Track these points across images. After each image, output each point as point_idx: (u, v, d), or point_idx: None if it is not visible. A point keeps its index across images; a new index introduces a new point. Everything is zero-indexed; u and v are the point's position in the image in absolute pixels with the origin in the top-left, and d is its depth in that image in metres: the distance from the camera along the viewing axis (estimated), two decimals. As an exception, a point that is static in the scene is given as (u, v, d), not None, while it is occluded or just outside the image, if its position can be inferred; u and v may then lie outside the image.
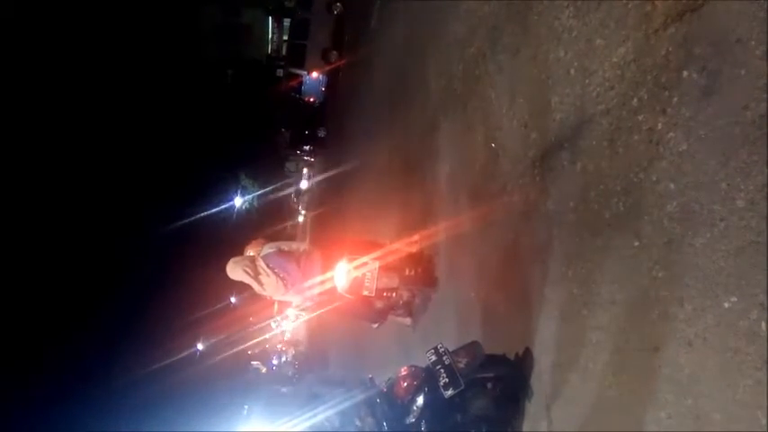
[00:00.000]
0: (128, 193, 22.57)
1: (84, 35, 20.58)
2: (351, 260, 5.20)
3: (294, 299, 5.58)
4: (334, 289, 5.30)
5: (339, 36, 18.19)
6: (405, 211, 7.00)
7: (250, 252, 5.39)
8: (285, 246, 5.43)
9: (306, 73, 21.60)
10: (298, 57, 21.52)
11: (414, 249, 5.63)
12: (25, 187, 19.97)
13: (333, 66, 18.78)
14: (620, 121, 2.69)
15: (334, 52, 18.43)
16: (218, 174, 26.31)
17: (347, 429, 3.49)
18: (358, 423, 3.45)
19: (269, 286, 5.20)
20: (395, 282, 5.36)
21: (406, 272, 5.40)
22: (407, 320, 5.77)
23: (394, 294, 5.44)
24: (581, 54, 3.07)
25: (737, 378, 1.96)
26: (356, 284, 5.20)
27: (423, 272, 5.47)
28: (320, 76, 20.96)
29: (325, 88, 20.97)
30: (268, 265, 5.16)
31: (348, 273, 5.18)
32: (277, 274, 5.15)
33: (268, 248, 5.30)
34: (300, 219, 32.59)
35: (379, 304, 5.50)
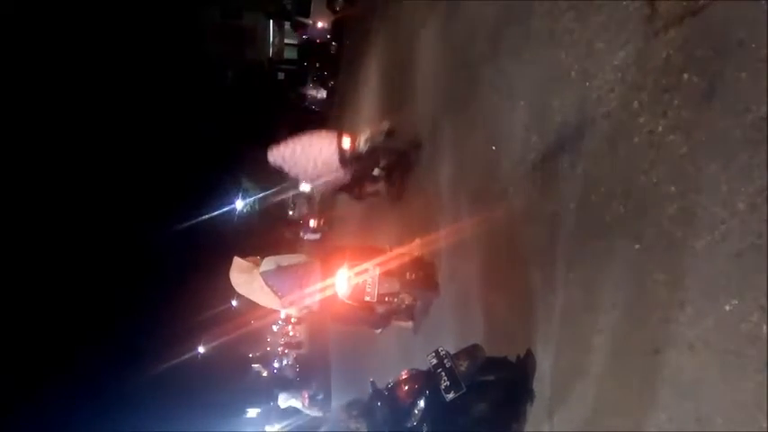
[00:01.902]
0: (129, 196, 22.58)
1: (86, 38, 20.61)
2: (351, 267, 5.24)
3: (291, 311, 5.66)
4: (335, 296, 5.33)
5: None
6: (406, 215, 7.00)
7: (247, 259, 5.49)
8: (285, 261, 5.47)
9: (311, 22, 21.25)
10: (303, 4, 21.26)
11: (415, 253, 5.64)
12: (23, 190, 19.98)
13: (339, 16, 18.42)
14: (621, 124, 2.69)
15: (340, 0, 18.21)
16: (219, 176, 26.31)
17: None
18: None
19: (266, 302, 5.37)
20: (396, 287, 5.38)
21: (407, 276, 5.42)
22: (409, 324, 5.78)
23: (395, 299, 5.45)
24: (582, 57, 3.08)
25: (738, 380, 1.96)
26: (357, 291, 5.23)
27: (424, 276, 5.49)
28: (325, 26, 20.48)
29: (331, 37, 20.34)
30: (267, 282, 5.26)
31: (349, 279, 5.22)
32: (275, 292, 5.26)
33: (267, 265, 5.37)
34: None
35: (380, 309, 5.51)
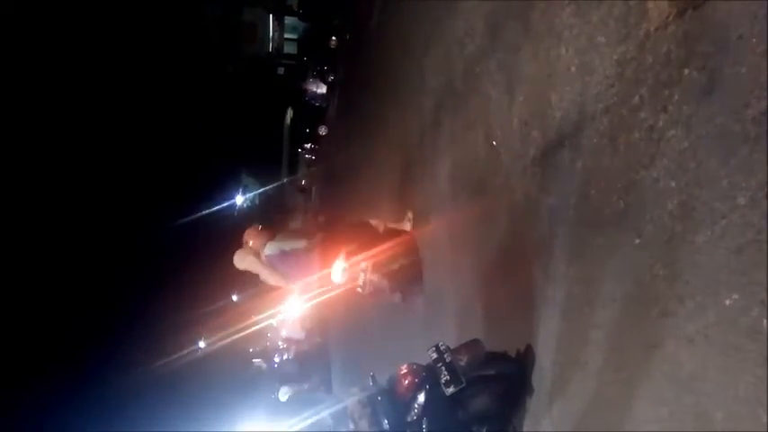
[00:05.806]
0: (129, 190, 22.58)
1: (86, 32, 20.56)
2: (347, 257, 5.63)
3: (295, 288, 6.11)
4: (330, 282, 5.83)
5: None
6: (405, 209, 7.00)
7: (249, 242, 5.84)
8: (287, 246, 5.77)
9: None
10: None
11: (407, 228, 6.19)
12: (25, 186, 19.97)
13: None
14: (621, 119, 2.68)
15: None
16: (219, 171, 26.31)
17: (341, 430, 3.54)
18: (351, 426, 3.48)
19: (272, 280, 5.80)
20: (384, 284, 5.82)
21: (397, 273, 5.84)
22: (397, 296, 6.07)
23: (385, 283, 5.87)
24: (581, 51, 3.07)
25: (738, 375, 1.96)
26: (352, 279, 5.74)
27: (411, 272, 5.84)
28: None
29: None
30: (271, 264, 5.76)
31: (344, 271, 5.64)
32: (279, 273, 5.76)
33: (270, 249, 5.75)
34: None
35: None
